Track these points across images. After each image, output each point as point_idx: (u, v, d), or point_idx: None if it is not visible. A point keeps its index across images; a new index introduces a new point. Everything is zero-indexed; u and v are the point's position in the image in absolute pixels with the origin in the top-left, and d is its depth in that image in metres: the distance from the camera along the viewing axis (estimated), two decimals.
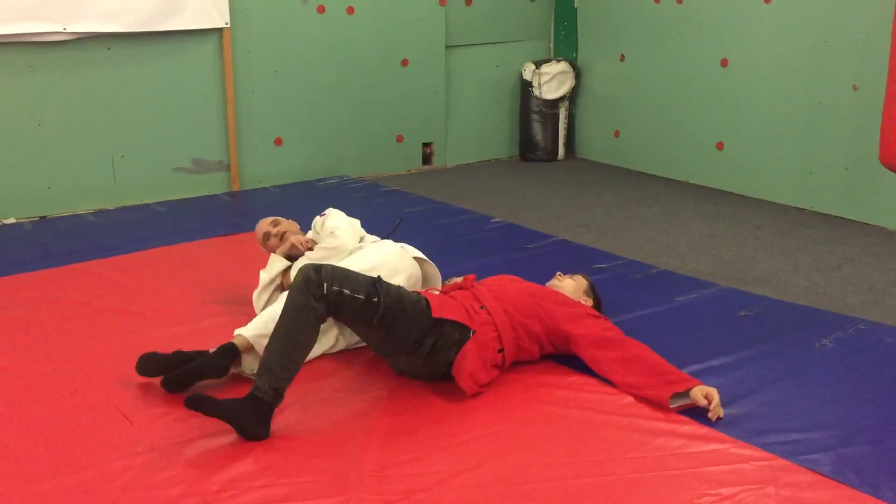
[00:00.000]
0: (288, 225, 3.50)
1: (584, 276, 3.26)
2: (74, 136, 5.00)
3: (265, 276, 3.32)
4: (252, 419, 2.45)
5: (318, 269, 2.58)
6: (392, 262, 3.14)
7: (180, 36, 5.17)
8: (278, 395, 2.49)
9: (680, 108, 5.83)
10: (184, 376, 2.73)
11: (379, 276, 2.74)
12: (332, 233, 3.26)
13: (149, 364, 2.79)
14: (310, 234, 3.46)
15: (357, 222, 3.44)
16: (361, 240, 3.38)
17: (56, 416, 2.63)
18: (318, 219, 3.45)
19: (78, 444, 2.47)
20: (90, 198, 5.10)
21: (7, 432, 2.53)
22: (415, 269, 3.21)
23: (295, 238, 3.36)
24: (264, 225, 3.52)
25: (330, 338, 3.05)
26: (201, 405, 2.44)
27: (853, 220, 4.86)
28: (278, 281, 3.33)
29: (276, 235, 3.45)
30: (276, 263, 3.33)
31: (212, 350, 2.81)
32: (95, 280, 3.82)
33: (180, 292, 3.67)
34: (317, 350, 3.00)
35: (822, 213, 5.01)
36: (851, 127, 4.83)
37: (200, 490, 2.23)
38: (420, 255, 3.28)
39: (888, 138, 3.38)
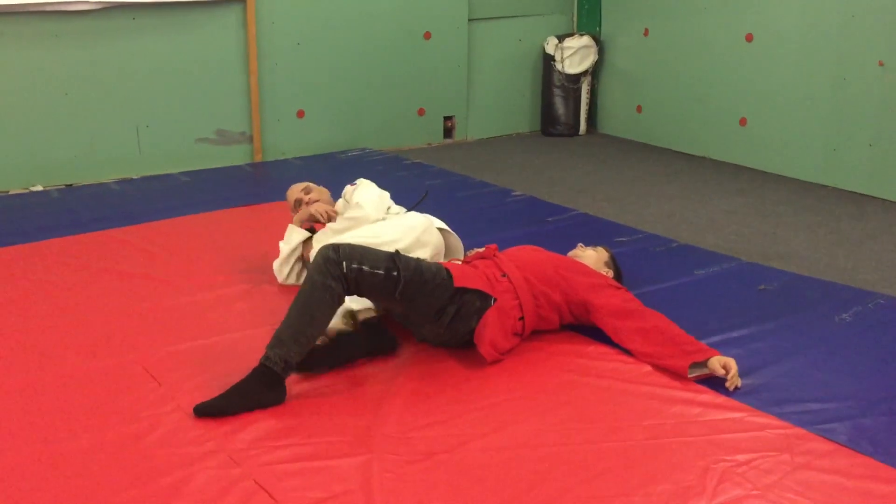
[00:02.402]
0: (319, 193, 3.50)
1: (605, 248, 3.28)
2: (100, 106, 5.06)
3: (285, 247, 3.36)
4: (263, 392, 2.48)
5: (336, 248, 2.61)
6: (417, 233, 3.14)
7: (204, 7, 5.20)
8: (288, 367, 2.52)
9: (703, 83, 5.80)
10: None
11: (397, 251, 2.76)
12: (357, 203, 3.28)
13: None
14: (340, 203, 3.47)
15: (386, 194, 3.43)
16: (388, 210, 3.39)
17: (86, 377, 2.69)
18: (348, 188, 3.45)
19: (108, 403, 2.54)
20: (115, 167, 5.16)
21: (39, 392, 2.60)
22: (439, 240, 3.23)
23: (315, 207, 3.37)
24: (296, 191, 3.52)
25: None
26: (215, 412, 2.43)
27: (877, 197, 4.84)
28: (299, 252, 3.36)
29: (307, 203, 3.46)
30: (295, 235, 3.35)
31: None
32: (121, 246, 3.89)
33: (204, 259, 3.73)
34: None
35: (846, 190, 4.99)
36: (877, 103, 4.80)
37: (228, 448, 2.29)
38: (444, 226, 3.30)
39: None
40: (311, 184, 3.55)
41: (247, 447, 2.30)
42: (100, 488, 2.14)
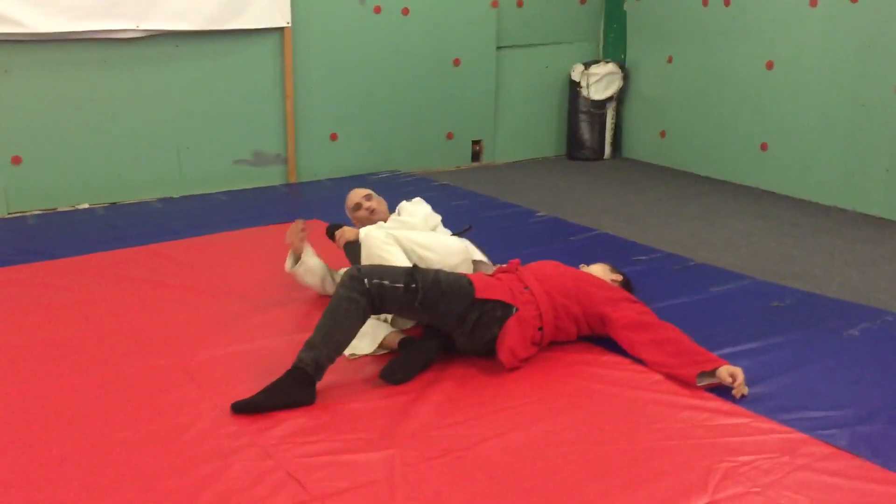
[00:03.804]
0: (378, 203, 3.67)
1: (603, 263, 3.43)
2: (144, 129, 5.31)
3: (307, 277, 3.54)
4: (295, 391, 2.67)
5: (359, 268, 2.85)
6: (454, 261, 3.28)
7: (244, 35, 5.45)
8: (319, 369, 2.70)
9: (725, 109, 5.94)
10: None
11: (415, 265, 2.95)
12: (411, 213, 3.49)
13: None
14: (392, 217, 3.62)
15: (437, 217, 3.61)
16: (434, 229, 3.56)
17: (130, 378, 2.89)
18: (404, 203, 3.65)
19: (149, 401, 2.73)
20: (157, 186, 5.40)
21: (87, 391, 2.79)
22: (468, 269, 3.35)
23: (383, 214, 3.58)
24: (358, 195, 3.70)
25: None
26: (251, 409, 2.61)
27: (893, 221, 4.93)
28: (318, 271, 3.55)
29: (366, 209, 3.64)
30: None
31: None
32: (163, 260, 4.10)
33: (240, 272, 3.93)
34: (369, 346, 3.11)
35: (864, 214, 5.08)
36: (893, 129, 4.90)
37: (261, 443, 2.46)
38: (481, 257, 3.45)
39: None
40: (372, 192, 3.73)
41: (279, 442, 2.47)
42: (144, 476, 2.31)
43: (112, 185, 5.27)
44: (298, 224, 3.51)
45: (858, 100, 5.08)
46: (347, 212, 3.75)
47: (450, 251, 3.31)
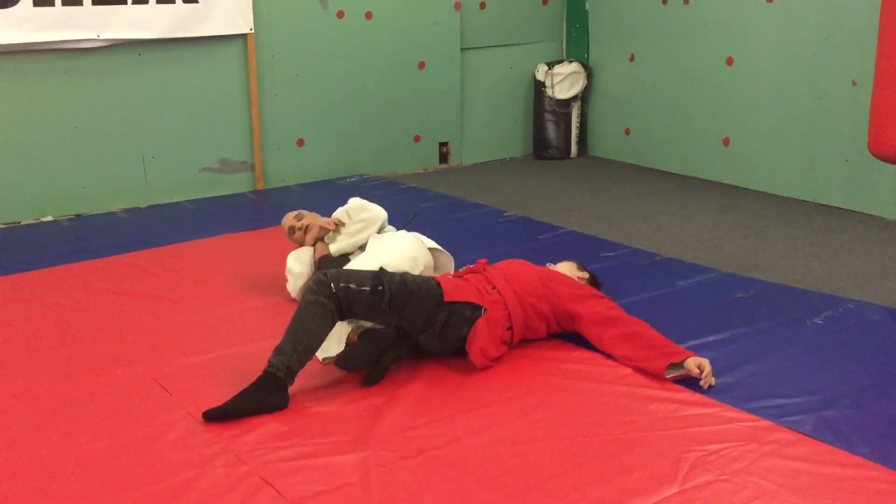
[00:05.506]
0: (311, 217, 3.71)
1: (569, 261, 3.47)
2: (107, 139, 5.27)
3: (298, 267, 3.51)
4: (267, 396, 2.67)
5: (325, 273, 2.86)
6: (410, 252, 3.32)
7: (207, 42, 5.43)
8: (290, 374, 2.70)
9: (688, 105, 6.02)
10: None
11: (382, 268, 2.96)
12: (364, 207, 3.51)
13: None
14: (340, 215, 3.64)
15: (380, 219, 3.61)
16: (381, 230, 3.58)
17: (102, 388, 2.87)
18: (340, 209, 3.65)
19: (122, 411, 2.71)
20: (123, 197, 5.36)
21: (59, 402, 2.77)
22: (428, 259, 3.42)
23: (321, 221, 3.58)
24: (288, 219, 3.72)
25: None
26: (222, 416, 2.61)
27: (853, 211, 5.03)
28: (310, 270, 3.52)
29: (300, 229, 3.66)
30: (303, 253, 3.54)
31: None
32: (130, 270, 4.07)
33: (210, 280, 3.91)
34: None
35: (824, 205, 5.18)
36: (851, 121, 5.00)
37: (235, 449, 2.46)
38: (434, 244, 3.49)
39: (876, 129, 3.58)
40: (301, 210, 3.75)
41: (252, 448, 2.47)
42: (118, 485, 2.31)
43: (76, 196, 5.22)
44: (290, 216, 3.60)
45: (817, 93, 5.18)
46: (288, 238, 3.74)
47: (406, 252, 3.32)
